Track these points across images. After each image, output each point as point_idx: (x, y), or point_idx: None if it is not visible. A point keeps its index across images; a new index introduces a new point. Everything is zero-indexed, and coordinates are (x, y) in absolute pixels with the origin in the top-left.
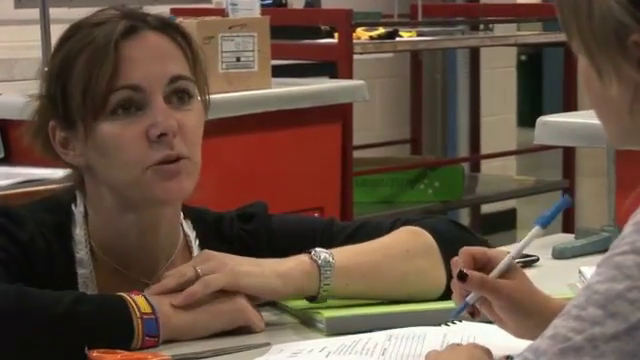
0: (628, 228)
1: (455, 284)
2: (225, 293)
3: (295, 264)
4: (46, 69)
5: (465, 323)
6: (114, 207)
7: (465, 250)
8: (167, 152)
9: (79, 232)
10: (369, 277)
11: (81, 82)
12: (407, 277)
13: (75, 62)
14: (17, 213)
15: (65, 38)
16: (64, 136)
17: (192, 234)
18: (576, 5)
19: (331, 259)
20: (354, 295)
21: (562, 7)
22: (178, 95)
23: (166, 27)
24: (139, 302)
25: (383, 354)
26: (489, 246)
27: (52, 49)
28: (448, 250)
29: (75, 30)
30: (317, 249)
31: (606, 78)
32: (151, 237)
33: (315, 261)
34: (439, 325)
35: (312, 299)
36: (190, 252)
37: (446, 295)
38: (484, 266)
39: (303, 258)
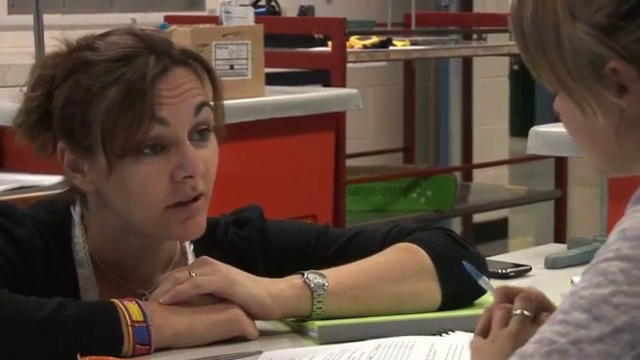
0: (613, 236)
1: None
2: (221, 302)
3: (287, 287)
4: (38, 74)
5: (454, 333)
6: (118, 231)
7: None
8: (188, 193)
9: (78, 234)
10: (362, 299)
11: (110, 118)
12: (401, 299)
13: (101, 97)
14: (15, 212)
15: (77, 66)
16: (74, 159)
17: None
18: (543, 42)
19: (324, 282)
20: (347, 316)
21: (526, 46)
22: (199, 131)
23: (189, 59)
24: (131, 309)
25: None
26: (484, 260)
27: (58, 74)
28: (444, 269)
29: (88, 62)
30: (310, 273)
31: (589, 110)
32: (150, 256)
33: (308, 285)
34: (432, 334)
35: (304, 319)
36: (186, 259)
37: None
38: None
39: (296, 281)
